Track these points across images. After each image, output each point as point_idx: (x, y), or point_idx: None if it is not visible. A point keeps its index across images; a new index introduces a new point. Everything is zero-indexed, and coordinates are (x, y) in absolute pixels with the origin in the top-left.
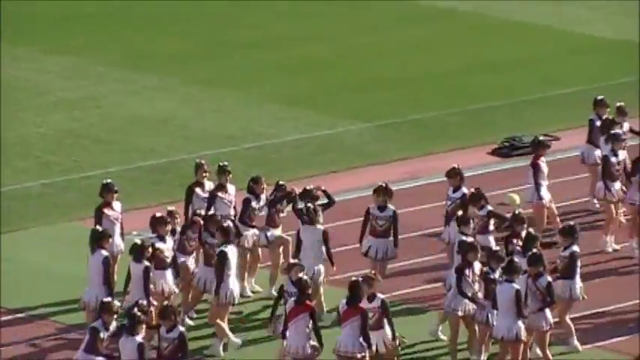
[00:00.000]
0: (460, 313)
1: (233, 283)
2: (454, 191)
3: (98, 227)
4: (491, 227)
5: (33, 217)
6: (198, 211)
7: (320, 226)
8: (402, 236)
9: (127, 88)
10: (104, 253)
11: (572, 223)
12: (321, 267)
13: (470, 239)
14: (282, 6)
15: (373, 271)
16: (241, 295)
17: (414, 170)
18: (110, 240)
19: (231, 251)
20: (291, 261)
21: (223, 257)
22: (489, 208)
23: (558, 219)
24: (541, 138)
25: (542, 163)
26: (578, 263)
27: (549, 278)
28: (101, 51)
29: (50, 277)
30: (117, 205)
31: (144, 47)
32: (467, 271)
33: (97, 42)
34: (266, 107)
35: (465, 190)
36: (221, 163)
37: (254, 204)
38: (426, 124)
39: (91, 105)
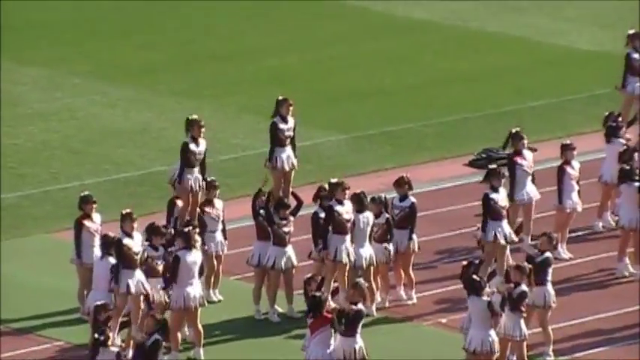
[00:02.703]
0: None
1: (186, 289)
2: (401, 200)
3: (109, 233)
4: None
5: (9, 229)
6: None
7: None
8: None
9: (102, 99)
10: (113, 260)
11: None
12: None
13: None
14: (257, 18)
15: (364, 281)
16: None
17: (390, 182)
18: None
19: (191, 257)
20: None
21: (177, 262)
22: (387, 216)
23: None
24: (568, 142)
25: (569, 167)
26: (549, 270)
27: (525, 288)
28: (76, 63)
29: (27, 289)
30: (96, 216)
31: (119, 59)
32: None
33: (72, 54)
34: (242, 118)
35: (412, 199)
36: (209, 178)
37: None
38: (402, 136)
39: (67, 117)
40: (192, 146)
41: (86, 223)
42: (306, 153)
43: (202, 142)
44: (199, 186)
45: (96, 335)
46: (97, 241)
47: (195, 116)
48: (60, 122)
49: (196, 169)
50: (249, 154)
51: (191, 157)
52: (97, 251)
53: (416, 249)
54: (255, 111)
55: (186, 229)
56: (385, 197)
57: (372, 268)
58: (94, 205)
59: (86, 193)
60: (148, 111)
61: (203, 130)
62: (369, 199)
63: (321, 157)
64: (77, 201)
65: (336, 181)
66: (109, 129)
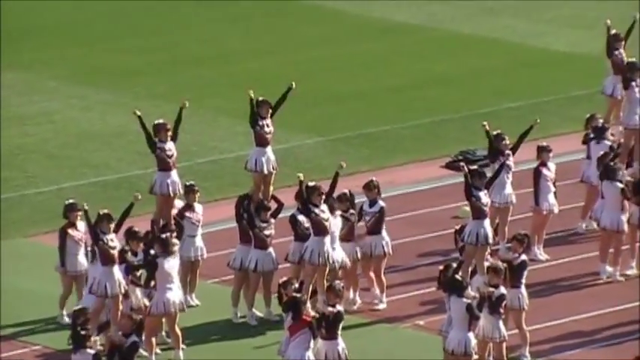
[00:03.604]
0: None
1: (167, 295)
2: (371, 205)
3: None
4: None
5: None
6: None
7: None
8: None
9: (79, 103)
10: None
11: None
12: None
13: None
14: (235, 21)
15: (339, 281)
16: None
17: None
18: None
19: (168, 263)
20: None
21: (155, 268)
22: (352, 211)
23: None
24: (544, 143)
25: (545, 169)
26: (525, 273)
27: (503, 290)
28: (53, 66)
29: (4, 293)
30: (81, 225)
31: (96, 62)
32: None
33: (49, 57)
34: (220, 121)
35: (382, 203)
36: (188, 183)
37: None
38: (379, 138)
39: (44, 120)
40: (160, 144)
41: (70, 231)
42: (283, 156)
43: (171, 143)
44: (178, 190)
45: (78, 329)
46: (81, 250)
47: (160, 120)
48: (37, 126)
49: (173, 172)
50: (227, 158)
51: (162, 155)
52: (82, 259)
53: (390, 252)
54: (232, 114)
55: (163, 235)
56: (351, 193)
57: (341, 270)
58: (79, 214)
59: (71, 201)
60: (125, 114)
61: (169, 133)
62: (336, 199)
63: (298, 160)
64: (57, 206)
65: (313, 184)
66: (86, 132)
